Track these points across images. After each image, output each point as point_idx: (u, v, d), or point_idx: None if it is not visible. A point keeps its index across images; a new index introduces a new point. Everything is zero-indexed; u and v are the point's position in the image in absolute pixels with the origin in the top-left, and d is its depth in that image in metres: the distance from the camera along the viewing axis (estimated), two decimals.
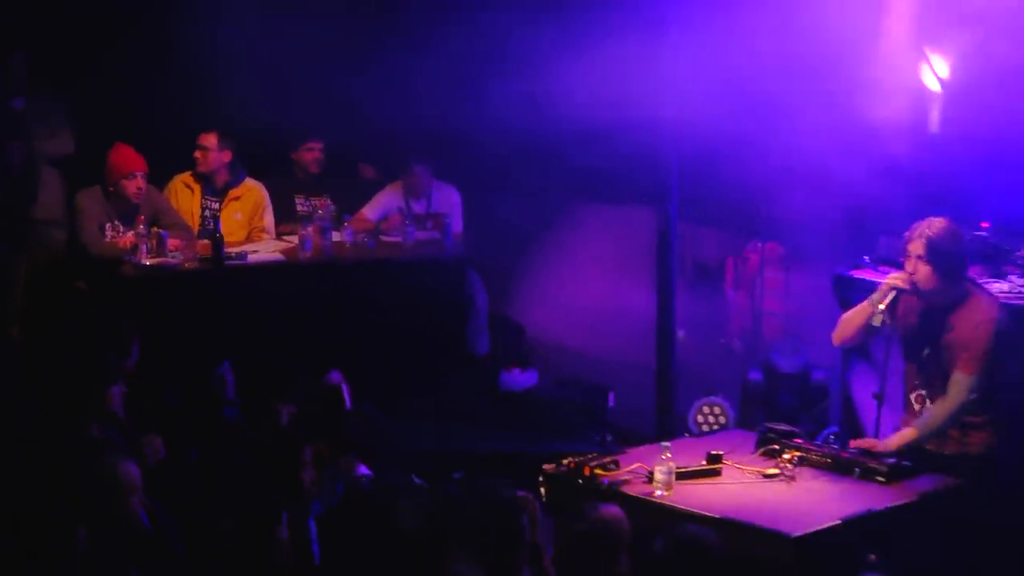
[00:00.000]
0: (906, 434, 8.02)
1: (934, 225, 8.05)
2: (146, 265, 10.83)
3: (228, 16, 11.31)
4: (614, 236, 12.06)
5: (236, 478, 7.78)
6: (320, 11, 11.83)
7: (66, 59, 11.31)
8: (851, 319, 8.36)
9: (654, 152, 10.92)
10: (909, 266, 8.09)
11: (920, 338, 8.20)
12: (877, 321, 8.15)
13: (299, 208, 12.02)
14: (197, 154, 11.51)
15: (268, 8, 11.49)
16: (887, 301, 8.12)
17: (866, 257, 9.59)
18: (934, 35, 10.57)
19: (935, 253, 8.00)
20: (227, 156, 11.57)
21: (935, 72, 10.56)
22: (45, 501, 6.68)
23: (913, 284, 8.07)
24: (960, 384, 8.01)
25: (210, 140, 11.49)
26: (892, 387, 8.34)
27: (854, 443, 8.10)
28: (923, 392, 8.22)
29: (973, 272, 8.99)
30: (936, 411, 8.04)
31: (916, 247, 8.04)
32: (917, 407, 8.23)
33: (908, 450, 7.93)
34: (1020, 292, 9.17)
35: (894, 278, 8.16)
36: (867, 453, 7.92)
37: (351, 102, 11.50)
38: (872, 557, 6.38)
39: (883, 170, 10.35)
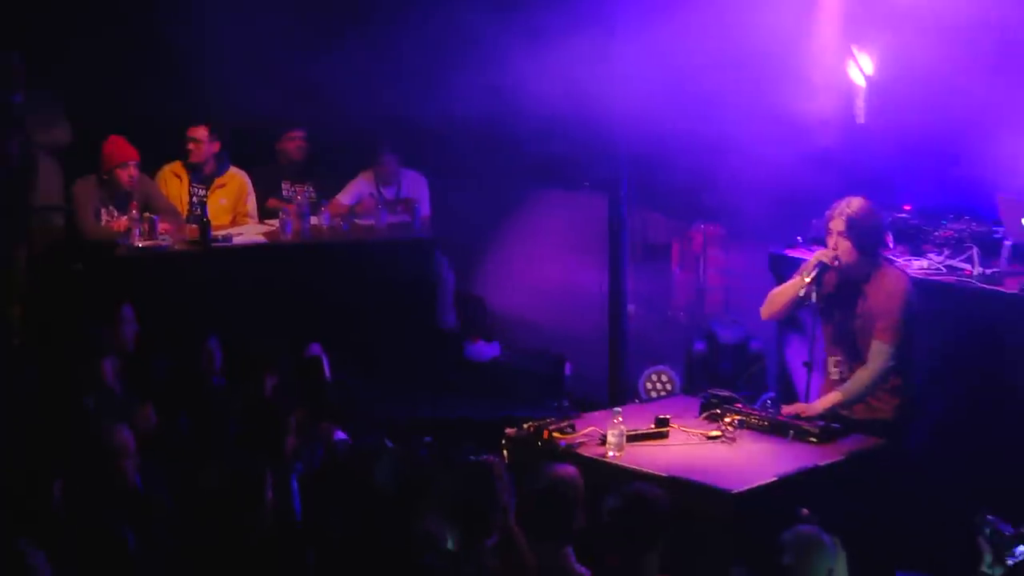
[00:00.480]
0: (830, 398, 8.13)
1: (853, 204, 8.17)
2: (139, 247, 10.87)
3: (214, 16, 11.29)
4: (570, 220, 12.10)
5: (224, 443, 7.80)
6: (300, 10, 11.80)
7: (63, 56, 11.28)
8: (780, 295, 8.46)
9: (606, 142, 10.96)
10: (831, 242, 8.21)
11: (838, 308, 8.31)
12: (804, 293, 8.26)
13: (285, 193, 12.02)
14: (191, 146, 11.52)
15: (250, 9, 11.47)
16: (813, 275, 8.22)
17: (799, 238, 9.63)
18: (861, 34, 10.62)
19: (854, 229, 8.13)
20: (216, 147, 11.59)
21: (861, 69, 10.61)
22: (29, 460, 6.69)
23: (836, 259, 8.18)
24: (880, 353, 8.13)
25: (201, 133, 11.51)
26: (819, 355, 8.43)
27: (785, 408, 8.17)
28: (840, 357, 8.34)
29: (896, 251, 9.10)
30: (859, 377, 8.14)
31: (837, 224, 8.17)
32: (835, 371, 8.34)
33: (825, 415, 8.06)
34: (938, 269, 9.25)
35: (820, 254, 8.26)
36: (800, 416, 8.01)
37: (329, 94, 11.49)
38: (805, 511, 6.42)
39: (814, 158, 10.42)
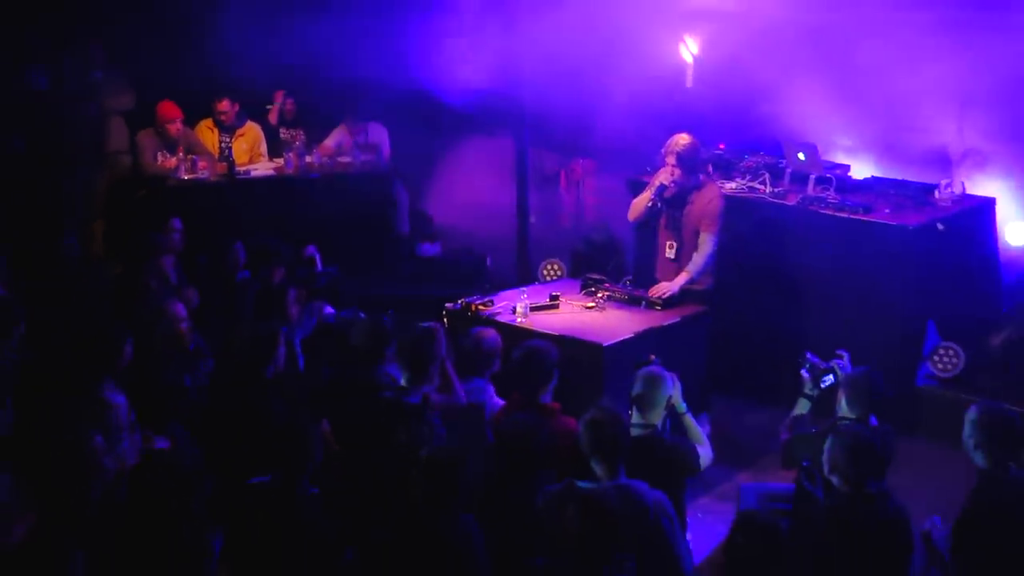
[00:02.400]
0: (682, 277, 8.18)
1: (680, 141, 8.21)
2: (184, 179, 10.80)
3: (236, 16, 11.15)
4: (488, 156, 12.07)
5: (248, 314, 7.84)
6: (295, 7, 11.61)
7: (129, 45, 11.15)
8: (638, 203, 8.49)
9: (513, 99, 10.92)
10: (668, 168, 8.28)
11: (674, 210, 8.35)
12: (651, 203, 8.34)
13: (282, 136, 11.90)
14: (222, 117, 11.41)
15: (261, 10, 11.34)
16: (655, 192, 8.30)
17: (648, 168, 9.66)
18: (689, 25, 10.65)
19: (682, 160, 8.18)
20: (236, 107, 11.52)
21: (689, 50, 10.65)
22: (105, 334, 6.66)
23: (673, 180, 8.26)
24: (707, 242, 8.23)
25: (226, 104, 11.40)
26: (657, 247, 8.52)
27: (653, 289, 8.18)
28: (672, 243, 8.40)
29: (714, 176, 9.18)
30: (695, 260, 8.22)
31: (671, 158, 8.22)
32: (670, 252, 8.40)
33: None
34: (742, 189, 9.32)
35: (661, 176, 8.31)
36: (660, 294, 8.09)
37: (315, 69, 11.35)
38: (652, 356, 6.52)
39: (658, 113, 10.46)
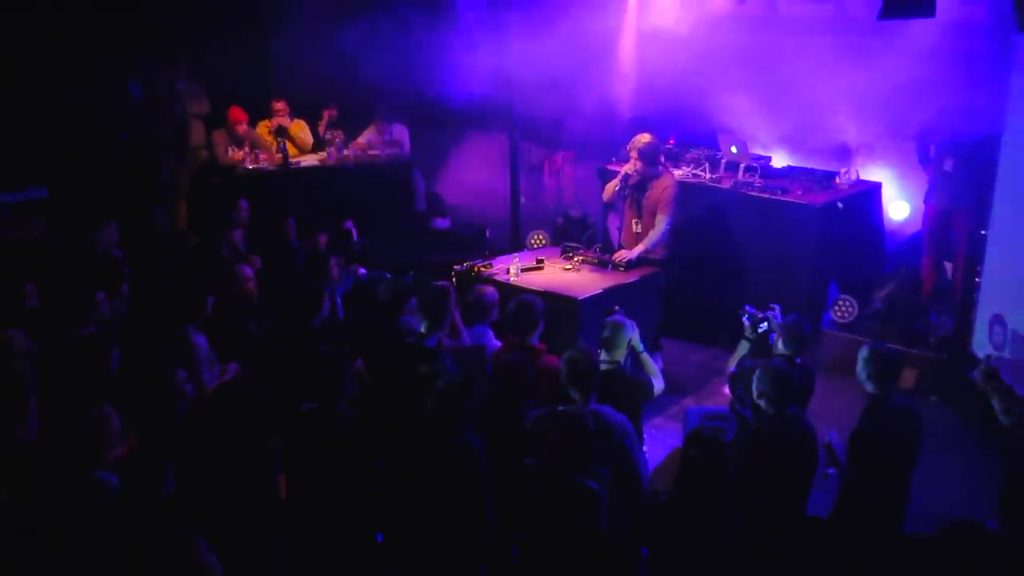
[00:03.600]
0: (639, 247, 8.16)
1: (641, 139, 8.19)
2: (249, 168, 10.73)
3: (287, 41, 11.02)
4: (487, 149, 12.02)
5: (299, 275, 7.82)
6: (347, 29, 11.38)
7: (206, 61, 11.08)
8: (610, 187, 8.45)
9: (506, 102, 10.85)
10: (631, 160, 8.24)
11: (637, 194, 8.33)
12: (619, 188, 8.30)
13: (327, 137, 11.79)
14: (279, 115, 11.26)
15: (307, 35, 11.23)
16: (621, 180, 8.26)
17: (613, 158, 9.66)
18: (645, 44, 10.55)
19: (643, 154, 8.15)
20: (288, 108, 11.41)
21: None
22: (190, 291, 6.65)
23: (635, 171, 8.21)
24: (662, 221, 8.20)
25: (282, 104, 11.28)
26: (624, 223, 8.51)
27: (616, 255, 8.16)
28: (637, 219, 8.37)
29: (667, 164, 9.14)
30: (651, 235, 8.20)
31: (634, 153, 8.19)
32: (636, 228, 8.36)
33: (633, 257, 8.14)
34: (687, 175, 9.31)
35: (626, 168, 8.28)
36: (622, 258, 8.08)
37: (349, 80, 11.20)
38: (616, 307, 6.54)
39: (621, 114, 10.42)
